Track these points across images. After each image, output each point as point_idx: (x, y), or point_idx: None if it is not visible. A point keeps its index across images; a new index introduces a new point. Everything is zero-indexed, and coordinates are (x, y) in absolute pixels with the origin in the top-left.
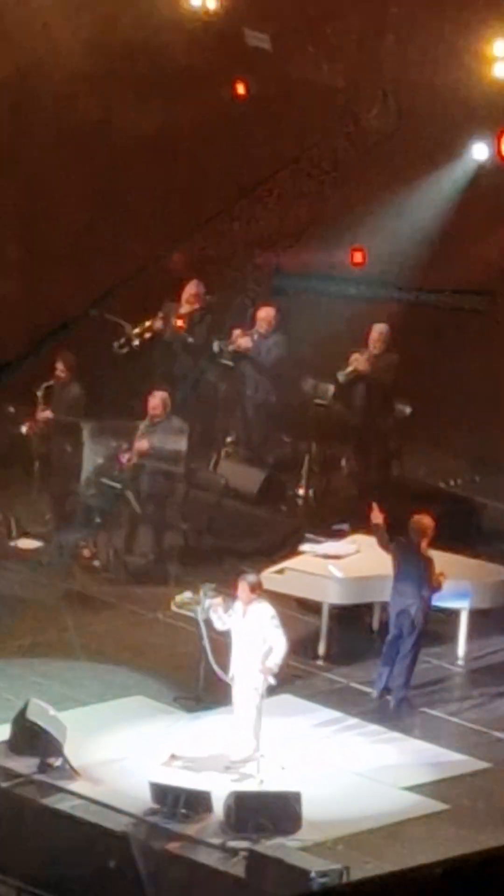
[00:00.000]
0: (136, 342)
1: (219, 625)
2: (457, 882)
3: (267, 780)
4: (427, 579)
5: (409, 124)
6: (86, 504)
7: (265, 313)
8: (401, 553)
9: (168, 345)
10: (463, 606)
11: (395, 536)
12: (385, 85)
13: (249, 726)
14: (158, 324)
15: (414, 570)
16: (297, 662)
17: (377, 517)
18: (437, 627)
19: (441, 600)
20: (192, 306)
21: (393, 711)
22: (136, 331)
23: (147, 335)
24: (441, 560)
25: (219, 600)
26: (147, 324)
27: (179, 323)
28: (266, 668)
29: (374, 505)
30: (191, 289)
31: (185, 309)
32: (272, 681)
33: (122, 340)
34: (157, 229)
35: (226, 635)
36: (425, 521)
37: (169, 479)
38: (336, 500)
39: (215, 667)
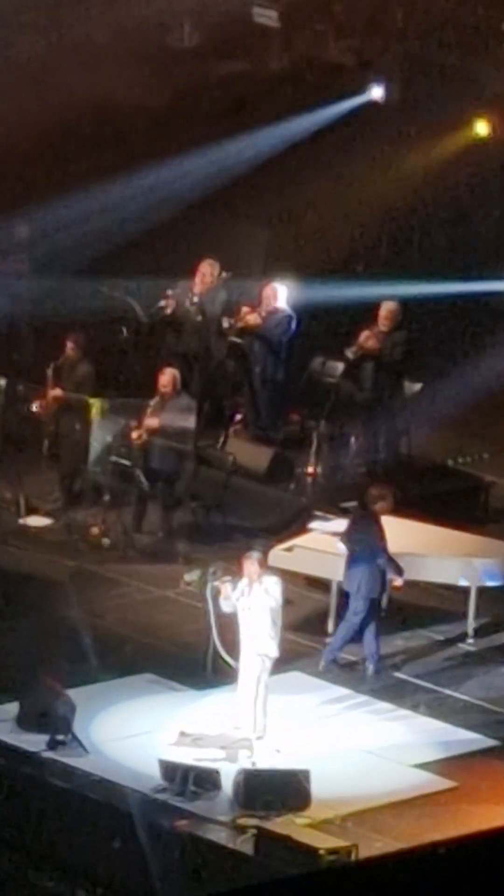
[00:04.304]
0: (147, 321)
1: (226, 607)
2: (465, 859)
3: (260, 762)
4: (380, 548)
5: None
6: (95, 482)
7: (270, 291)
8: (357, 523)
9: (179, 323)
10: (471, 584)
11: (352, 507)
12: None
13: (257, 703)
14: (171, 302)
15: (367, 540)
16: (305, 640)
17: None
18: (445, 605)
19: (449, 578)
20: (207, 285)
21: (371, 678)
22: (161, 304)
23: (166, 312)
24: (450, 537)
25: (226, 580)
26: (163, 303)
27: (195, 301)
28: (264, 651)
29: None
30: (205, 267)
31: (199, 288)
32: (267, 662)
33: (133, 325)
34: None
35: (233, 616)
36: (381, 489)
37: (178, 456)
38: (345, 477)
39: (223, 652)
